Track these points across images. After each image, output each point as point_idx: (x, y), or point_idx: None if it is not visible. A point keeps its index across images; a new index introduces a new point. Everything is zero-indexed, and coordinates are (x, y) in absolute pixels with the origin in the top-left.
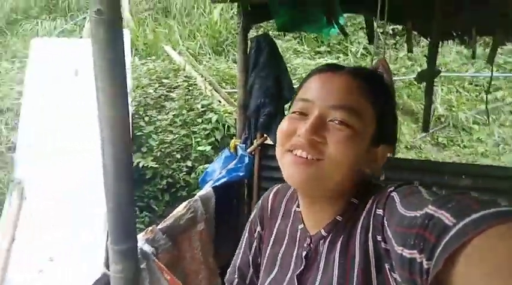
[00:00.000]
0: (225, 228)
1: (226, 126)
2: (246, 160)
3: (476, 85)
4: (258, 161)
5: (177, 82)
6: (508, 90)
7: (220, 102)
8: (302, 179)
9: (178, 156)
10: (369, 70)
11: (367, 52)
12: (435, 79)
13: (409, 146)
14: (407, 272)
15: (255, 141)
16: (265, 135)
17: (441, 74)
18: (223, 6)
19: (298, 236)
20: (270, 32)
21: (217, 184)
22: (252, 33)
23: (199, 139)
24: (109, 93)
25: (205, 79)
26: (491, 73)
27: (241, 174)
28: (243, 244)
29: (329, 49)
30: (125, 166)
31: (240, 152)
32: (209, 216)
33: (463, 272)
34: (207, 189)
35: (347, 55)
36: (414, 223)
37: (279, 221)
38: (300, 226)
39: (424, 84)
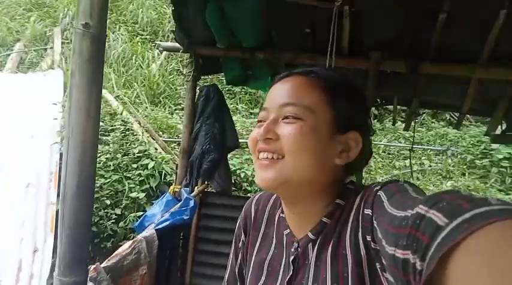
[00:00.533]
0: (163, 274)
1: (162, 174)
2: (191, 203)
3: (389, 154)
4: (198, 210)
5: (113, 126)
6: (414, 159)
7: (156, 149)
8: (267, 180)
9: (108, 202)
10: (321, 66)
11: None
12: None
13: None
14: (401, 273)
15: (196, 187)
16: (206, 182)
17: None
18: (162, 61)
19: (284, 241)
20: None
21: (160, 226)
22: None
23: (132, 185)
24: (83, 111)
25: (143, 126)
26: (413, 141)
27: (185, 218)
28: (230, 259)
29: None
30: (87, 192)
31: (184, 195)
32: (152, 260)
33: (457, 272)
34: (150, 231)
35: None
36: (405, 223)
37: (263, 228)
38: (286, 231)
39: None
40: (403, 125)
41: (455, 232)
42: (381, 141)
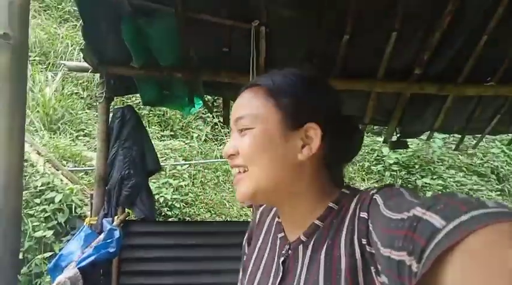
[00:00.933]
0: None
1: (72, 207)
2: (116, 234)
3: None
4: None
5: None
6: None
7: (62, 180)
8: (240, 194)
9: None
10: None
11: (209, 138)
12: None
13: None
14: (396, 275)
15: (116, 217)
16: (126, 210)
17: None
18: (58, 85)
19: (278, 245)
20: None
21: (83, 263)
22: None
23: (36, 223)
24: (5, 136)
25: (43, 156)
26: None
27: (111, 251)
28: (240, 276)
29: (172, 133)
30: (14, 232)
31: (107, 226)
32: None
33: (451, 273)
34: (72, 270)
35: (192, 139)
36: (402, 225)
37: (262, 236)
38: (280, 235)
39: None
40: None
41: (451, 234)
42: None
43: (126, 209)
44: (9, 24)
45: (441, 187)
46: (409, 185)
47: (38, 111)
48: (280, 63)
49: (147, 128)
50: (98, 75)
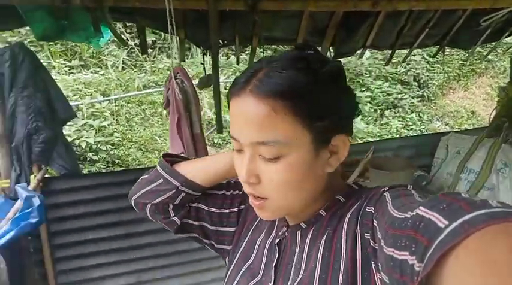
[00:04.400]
0: None
1: None
2: (36, 201)
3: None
4: None
5: None
6: None
7: None
8: (266, 217)
9: None
10: (273, 65)
11: (127, 66)
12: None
13: None
14: (398, 274)
15: (31, 176)
16: (43, 167)
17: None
18: None
19: (275, 225)
20: None
21: (2, 242)
22: None
23: None
24: None
25: None
26: None
27: (34, 221)
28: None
29: (82, 63)
30: None
31: (23, 194)
32: None
33: (455, 273)
34: None
35: (106, 68)
36: (405, 225)
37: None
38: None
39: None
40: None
41: (454, 234)
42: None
43: (42, 166)
44: None
45: (369, 98)
46: None
47: None
48: None
49: (51, 61)
50: None
